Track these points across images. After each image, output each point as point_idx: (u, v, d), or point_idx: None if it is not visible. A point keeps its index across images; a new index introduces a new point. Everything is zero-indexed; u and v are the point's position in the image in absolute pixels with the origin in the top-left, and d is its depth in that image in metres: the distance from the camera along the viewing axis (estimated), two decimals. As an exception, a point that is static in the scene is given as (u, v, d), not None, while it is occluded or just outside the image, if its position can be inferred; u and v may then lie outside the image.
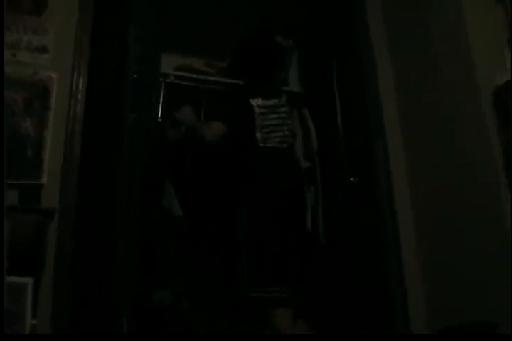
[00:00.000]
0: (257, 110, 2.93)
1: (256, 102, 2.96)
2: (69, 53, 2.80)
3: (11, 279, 2.12)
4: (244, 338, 2.47)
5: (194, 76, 3.80)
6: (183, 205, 3.43)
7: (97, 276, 2.63)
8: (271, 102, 3.00)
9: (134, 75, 2.98)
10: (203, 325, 3.25)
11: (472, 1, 2.91)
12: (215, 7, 3.88)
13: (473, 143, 2.79)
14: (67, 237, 2.56)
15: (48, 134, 2.64)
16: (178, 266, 3.40)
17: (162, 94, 3.60)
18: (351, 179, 3.27)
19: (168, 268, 3.33)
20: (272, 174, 2.85)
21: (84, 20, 2.88)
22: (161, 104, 3.56)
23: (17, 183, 2.46)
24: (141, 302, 2.91)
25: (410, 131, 3.31)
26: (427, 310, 3.00)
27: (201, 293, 3.33)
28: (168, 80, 3.68)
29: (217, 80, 3.81)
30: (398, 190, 3.23)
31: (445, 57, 3.01)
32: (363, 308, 3.06)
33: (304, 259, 2.75)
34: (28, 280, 2.28)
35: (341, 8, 3.64)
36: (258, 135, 2.88)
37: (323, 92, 3.67)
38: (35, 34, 2.73)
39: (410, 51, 3.36)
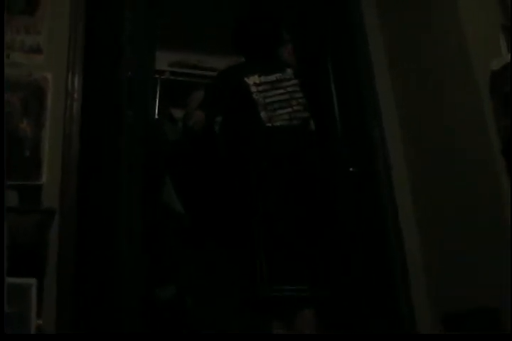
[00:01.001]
0: (253, 89, 2.70)
1: (253, 80, 2.73)
2: (63, 53, 2.78)
3: (14, 280, 2.12)
4: (245, 338, 2.44)
5: (190, 71, 3.80)
6: (184, 201, 3.43)
7: (100, 275, 2.63)
8: (272, 77, 2.77)
9: (129, 73, 2.97)
10: (210, 323, 3.25)
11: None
12: (209, 3, 3.87)
13: (471, 129, 2.79)
14: (69, 237, 2.56)
15: (46, 134, 2.63)
16: (181, 263, 3.40)
17: (158, 91, 3.60)
18: (350, 169, 3.23)
19: (172, 264, 3.33)
20: (282, 156, 2.59)
21: (77, 19, 2.86)
22: (157, 101, 3.56)
23: (16, 184, 2.46)
24: (145, 300, 2.91)
25: (407, 118, 3.31)
26: (429, 298, 3.02)
27: (206, 289, 3.32)
28: (163, 77, 3.68)
29: (214, 75, 3.80)
30: (397, 178, 3.23)
31: (440, 44, 3.01)
32: (365, 299, 3.06)
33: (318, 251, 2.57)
34: (32, 281, 2.27)
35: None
36: (262, 114, 2.65)
37: (318, 81, 3.64)
38: (28, 34, 2.73)
39: (405, 40, 3.35)
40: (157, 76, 3.62)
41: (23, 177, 2.52)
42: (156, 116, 3.53)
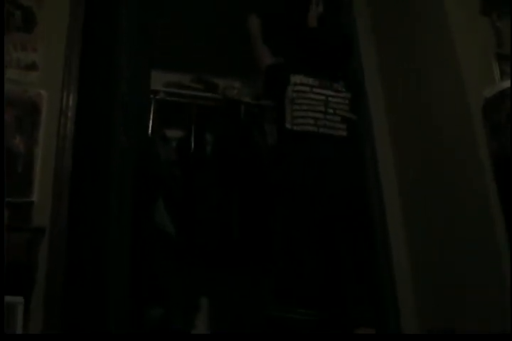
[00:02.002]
0: (291, 88, 2.53)
1: (296, 79, 2.57)
2: (58, 71, 2.79)
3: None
4: (244, 338, 2.40)
5: (184, 92, 3.81)
6: (176, 222, 3.40)
7: (89, 294, 2.60)
8: (316, 82, 2.59)
9: (124, 92, 2.98)
10: None
11: (458, 16, 2.92)
12: (201, 24, 3.89)
13: (463, 155, 2.80)
14: (58, 255, 2.54)
15: (39, 151, 2.63)
16: (171, 283, 3.38)
17: (152, 111, 3.61)
18: None
19: (161, 285, 3.30)
20: (295, 165, 2.42)
21: (73, 38, 2.88)
22: (151, 120, 3.56)
23: (7, 201, 2.44)
24: (133, 320, 2.88)
25: (399, 143, 3.33)
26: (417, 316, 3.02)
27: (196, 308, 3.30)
28: (158, 97, 3.69)
29: (208, 96, 3.84)
30: (390, 207, 3.24)
31: (433, 73, 3.03)
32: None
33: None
34: (19, 300, 2.25)
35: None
36: (287, 114, 2.48)
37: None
38: (24, 51, 2.73)
39: (399, 70, 3.36)
40: (152, 96, 3.63)
41: (14, 193, 2.51)
42: (149, 136, 3.53)
